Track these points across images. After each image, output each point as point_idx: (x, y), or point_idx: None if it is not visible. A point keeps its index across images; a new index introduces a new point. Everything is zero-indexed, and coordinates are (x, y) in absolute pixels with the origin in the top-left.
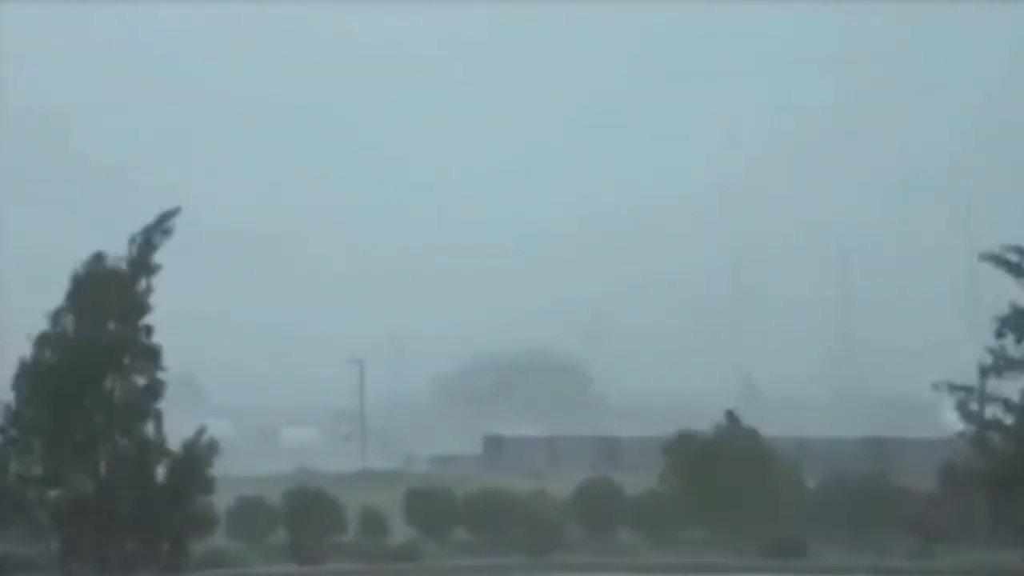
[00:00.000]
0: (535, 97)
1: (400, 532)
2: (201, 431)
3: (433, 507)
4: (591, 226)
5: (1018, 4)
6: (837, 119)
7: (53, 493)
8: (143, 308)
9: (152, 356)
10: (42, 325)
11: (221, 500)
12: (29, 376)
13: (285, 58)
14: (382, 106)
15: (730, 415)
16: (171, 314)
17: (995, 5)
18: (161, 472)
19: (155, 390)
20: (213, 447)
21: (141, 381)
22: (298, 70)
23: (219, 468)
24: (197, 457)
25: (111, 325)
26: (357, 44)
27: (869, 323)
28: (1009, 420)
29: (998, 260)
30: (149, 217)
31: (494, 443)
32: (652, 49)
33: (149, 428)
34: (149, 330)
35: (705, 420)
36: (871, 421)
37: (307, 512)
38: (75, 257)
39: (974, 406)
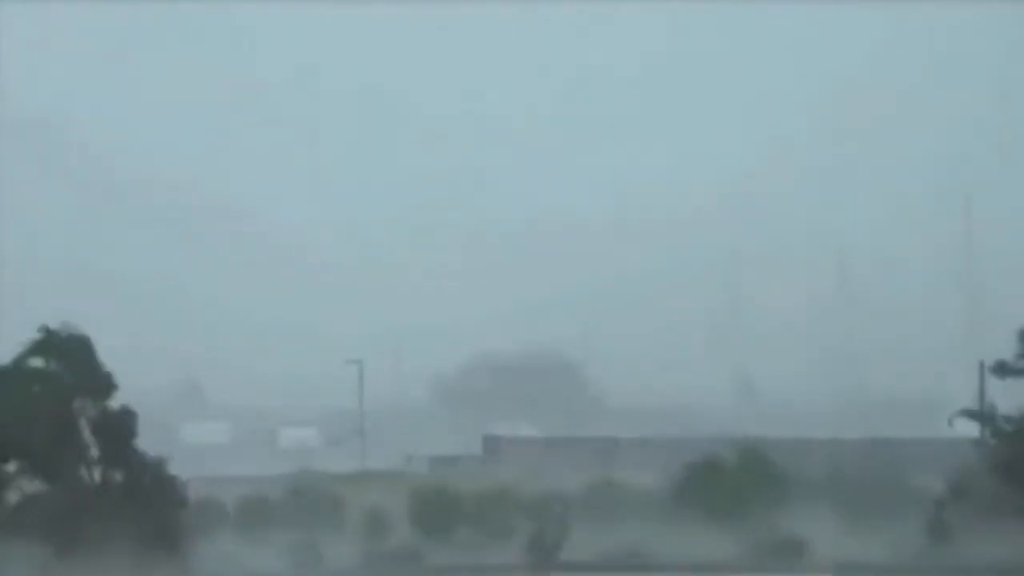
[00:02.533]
0: (535, 91)
1: (401, 532)
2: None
3: (435, 507)
4: (590, 226)
5: (1019, 3)
6: (838, 117)
7: (45, 499)
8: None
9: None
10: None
11: (223, 500)
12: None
13: (289, 52)
14: (380, 103)
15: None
16: (172, 315)
17: (997, 5)
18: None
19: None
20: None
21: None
22: (300, 65)
23: (218, 469)
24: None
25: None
26: (363, 35)
27: (869, 323)
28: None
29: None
30: (151, 218)
31: (493, 443)
32: (654, 45)
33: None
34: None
35: (704, 420)
36: (871, 421)
37: (309, 512)
38: (79, 256)
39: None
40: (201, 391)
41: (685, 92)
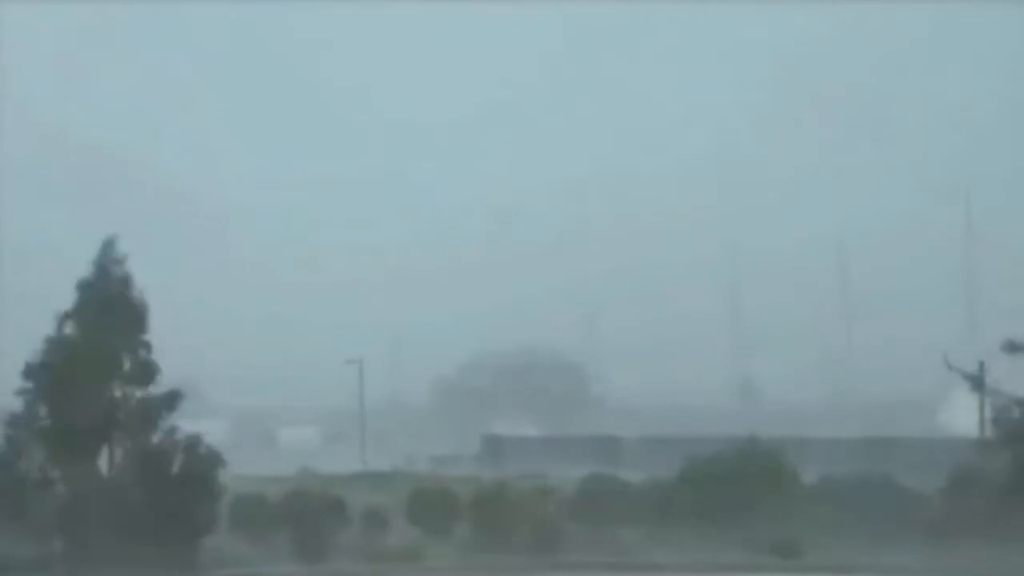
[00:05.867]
0: (534, 87)
1: (401, 532)
2: (196, 439)
3: (435, 506)
4: (590, 225)
5: (1019, 3)
6: (838, 118)
7: (58, 494)
8: (143, 325)
9: (149, 372)
10: (46, 328)
11: (222, 500)
12: (34, 379)
13: (288, 53)
14: (379, 102)
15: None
16: (171, 317)
17: (1000, 5)
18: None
19: (173, 400)
20: (216, 457)
21: (139, 393)
22: (298, 65)
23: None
24: (201, 462)
25: (113, 335)
26: (361, 35)
27: (869, 323)
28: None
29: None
30: (150, 218)
31: (493, 443)
32: (656, 42)
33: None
34: (148, 346)
35: (704, 420)
36: (870, 421)
37: (308, 512)
38: (77, 256)
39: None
40: (200, 390)
41: (685, 91)
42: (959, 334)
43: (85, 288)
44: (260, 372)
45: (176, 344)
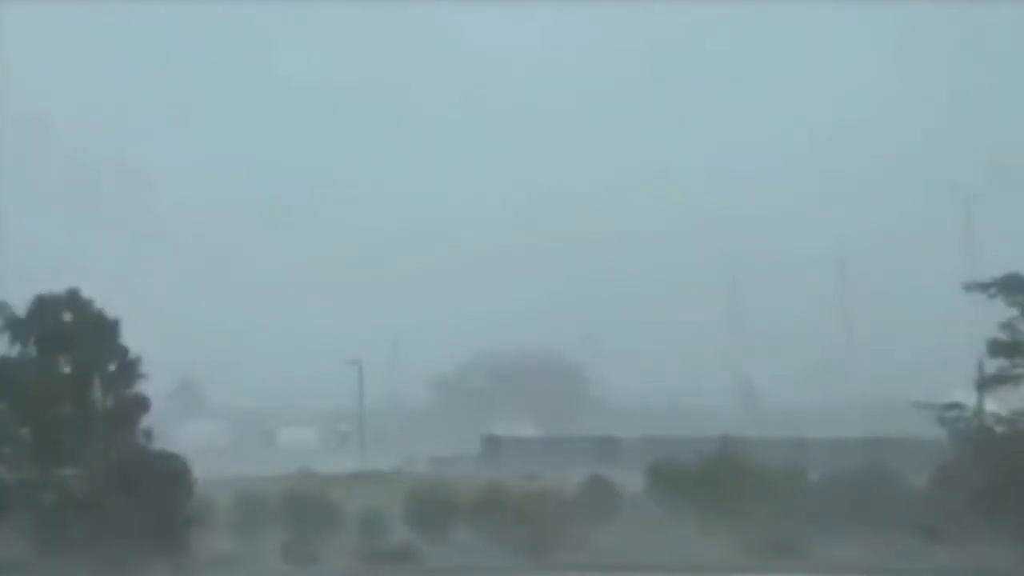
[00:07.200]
0: (536, 93)
1: (399, 532)
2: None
3: (433, 507)
4: (590, 225)
5: (1020, 3)
6: (838, 119)
7: (43, 496)
8: (112, 332)
9: (130, 372)
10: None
11: (221, 500)
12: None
13: (288, 54)
14: (379, 101)
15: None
16: (169, 318)
17: (1000, 5)
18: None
19: (142, 403)
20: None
21: (115, 396)
22: (299, 64)
23: (217, 469)
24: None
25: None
26: (371, 35)
27: (868, 324)
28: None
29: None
30: (149, 219)
31: (492, 443)
32: (659, 44)
33: (139, 437)
34: (124, 351)
35: (704, 420)
36: (870, 422)
37: (306, 512)
38: (76, 257)
39: (960, 420)
40: (200, 393)
41: (685, 91)
42: (958, 335)
43: (34, 311)
44: (260, 372)
45: (178, 345)
